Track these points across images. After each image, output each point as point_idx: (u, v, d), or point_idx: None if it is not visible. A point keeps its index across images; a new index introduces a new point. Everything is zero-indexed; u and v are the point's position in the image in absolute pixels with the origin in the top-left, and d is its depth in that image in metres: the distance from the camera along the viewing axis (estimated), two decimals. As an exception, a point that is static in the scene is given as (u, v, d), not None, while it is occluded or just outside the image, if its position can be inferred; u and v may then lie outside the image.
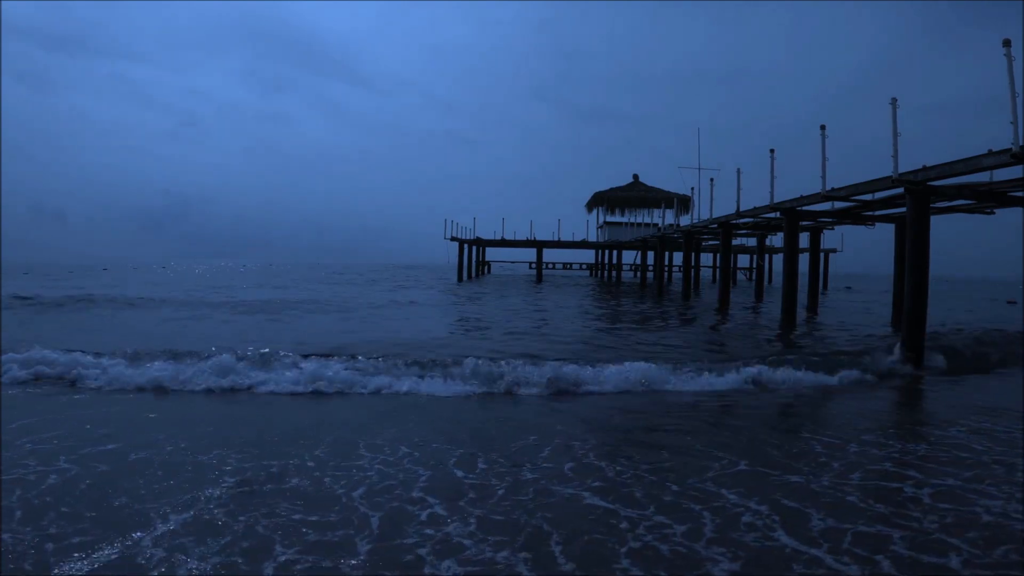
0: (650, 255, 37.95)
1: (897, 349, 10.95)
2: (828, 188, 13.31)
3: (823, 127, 13.25)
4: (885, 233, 23.81)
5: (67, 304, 21.45)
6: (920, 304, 11.08)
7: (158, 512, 4.24)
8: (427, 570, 3.54)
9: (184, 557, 3.62)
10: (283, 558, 3.64)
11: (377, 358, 9.75)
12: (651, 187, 47.69)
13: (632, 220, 47.65)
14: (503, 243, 45.94)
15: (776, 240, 29.19)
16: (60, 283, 34.90)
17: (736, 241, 31.25)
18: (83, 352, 9.39)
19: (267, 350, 9.74)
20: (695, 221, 26.02)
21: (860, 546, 3.84)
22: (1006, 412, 7.66)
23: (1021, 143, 8.33)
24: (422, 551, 3.75)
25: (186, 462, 5.31)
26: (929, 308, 11.33)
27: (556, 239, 45.31)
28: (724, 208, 21.29)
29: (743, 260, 49.24)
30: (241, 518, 4.17)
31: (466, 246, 45.12)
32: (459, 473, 5.20)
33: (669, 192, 40.84)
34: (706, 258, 46.20)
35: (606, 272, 52.91)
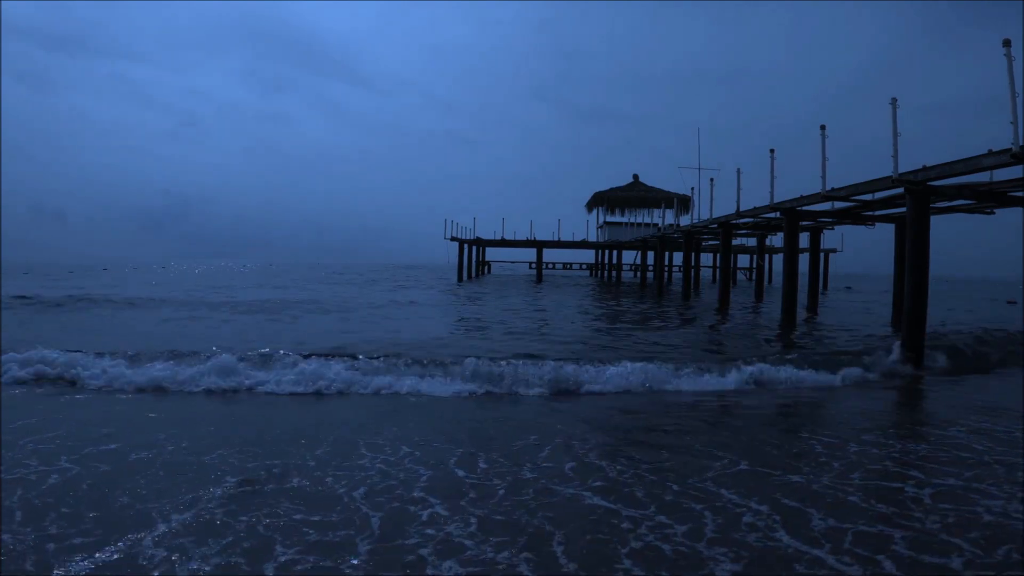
0: (650, 255, 37.96)
1: (897, 349, 10.95)
2: (828, 188, 13.31)
3: (823, 127, 13.26)
4: (885, 233, 23.83)
5: (67, 304, 21.44)
6: (920, 304, 11.08)
7: (159, 512, 4.24)
8: (429, 571, 3.54)
9: (185, 557, 3.62)
10: (284, 558, 3.64)
11: (377, 358, 9.75)
12: (651, 187, 47.69)
13: (632, 220, 47.65)
14: (503, 243, 45.95)
15: (776, 240, 29.20)
16: (60, 283, 34.88)
17: (736, 241, 31.24)
18: (83, 352, 9.38)
19: (267, 350, 9.75)
20: (695, 221, 26.02)
21: (861, 546, 3.84)
22: (1006, 412, 7.66)
23: (1021, 143, 8.33)
24: (423, 551, 3.75)
25: (187, 462, 5.31)
26: (929, 308, 11.33)
27: (556, 239, 45.31)
28: (724, 208, 21.33)
29: (743, 260, 49.25)
30: (242, 518, 4.18)
31: (466, 246, 45.12)
32: (460, 473, 5.20)
33: (669, 192, 40.85)
34: (706, 258, 46.21)
35: (606, 272, 52.91)
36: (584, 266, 61.26)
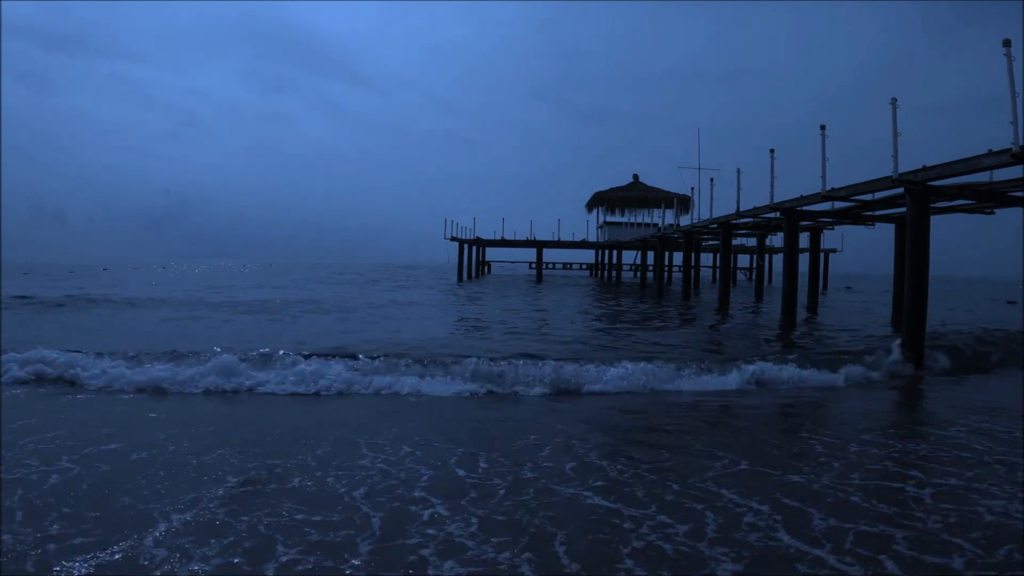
0: (650, 255, 37.97)
1: (897, 349, 10.95)
2: (828, 188, 13.30)
3: (823, 127, 13.25)
4: (885, 233, 23.87)
5: (67, 304, 21.44)
6: (920, 304, 11.08)
7: (160, 512, 4.24)
8: (430, 571, 3.54)
9: (186, 557, 3.62)
10: (285, 558, 3.64)
11: (377, 358, 9.75)
12: (651, 187, 47.70)
13: (632, 220, 47.67)
14: (503, 243, 45.95)
15: (776, 240, 29.20)
16: (60, 283, 34.87)
17: (736, 241, 31.24)
18: (83, 353, 9.38)
19: (267, 350, 9.75)
20: (695, 221, 26.02)
21: (863, 546, 3.84)
22: (1006, 412, 7.67)
23: (1021, 143, 8.33)
24: (425, 551, 3.75)
25: (188, 462, 5.31)
26: (929, 308, 11.33)
27: (556, 239, 45.32)
28: (724, 208, 21.33)
29: (743, 260, 49.26)
30: (243, 518, 4.17)
31: (466, 246, 45.13)
32: (461, 473, 5.20)
33: (669, 192, 40.86)
34: (706, 258, 46.21)
35: (606, 272, 52.91)
36: (584, 266, 61.28)
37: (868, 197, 13.80)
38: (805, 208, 15.62)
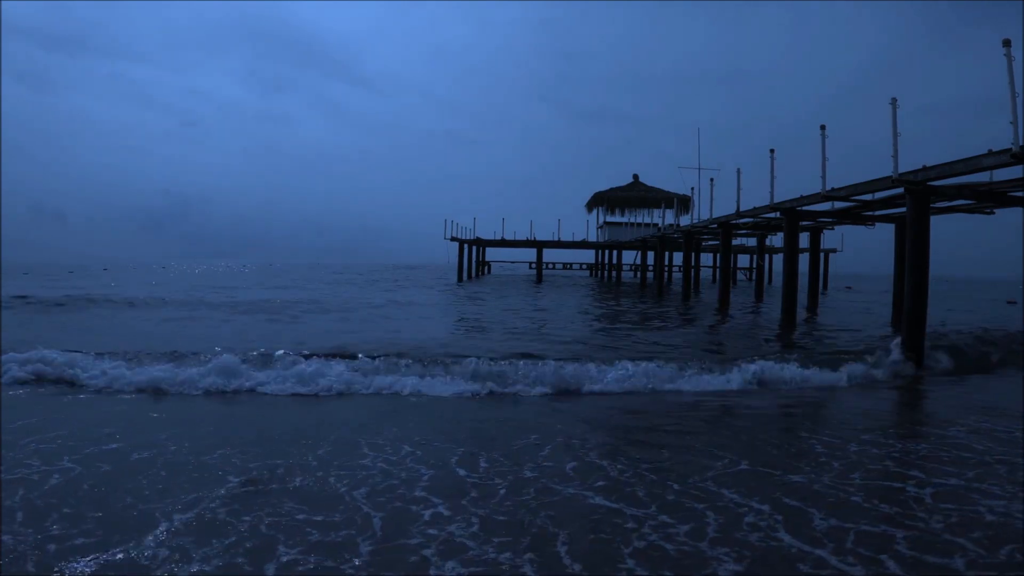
0: (650, 255, 37.98)
1: (897, 349, 10.95)
2: (828, 188, 13.31)
3: (823, 127, 13.26)
4: (885, 233, 23.78)
5: (67, 304, 21.43)
6: (920, 304, 11.09)
7: (162, 512, 4.24)
8: (431, 571, 3.54)
9: (188, 558, 3.62)
10: (286, 558, 3.64)
11: (378, 358, 9.75)
12: (651, 187, 47.70)
13: (632, 220, 47.66)
14: (503, 243, 45.96)
15: (776, 240, 29.21)
16: (60, 283, 34.87)
17: (736, 241, 31.25)
18: (83, 353, 9.38)
19: (267, 350, 9.74)
20: (695, 221, 26.04)
21: (864, 546, 3.84)
22: (1007, 412, 7.67)
23: (1021, 143, 8.33)
24: (426, 551, 3.75)
25: (189, 462, 5.31)
26: (929, 308, 11.34)
27: (556, 239, 45.33)
28: (724, 208, 21.34)
29: (743, 260, 49.25)
30: (245, 518, 4.17)
31: (466, 246, 45.14)
32: (461, 472, 5.20)
33: (669, 192, 40.86)
34: (706, 258, 46.17)
35: (606, 272, 52.92)
36: (584, 266, 61.29)
37: (868, 197, 13.80)
38: (805, 208, 15.62)
